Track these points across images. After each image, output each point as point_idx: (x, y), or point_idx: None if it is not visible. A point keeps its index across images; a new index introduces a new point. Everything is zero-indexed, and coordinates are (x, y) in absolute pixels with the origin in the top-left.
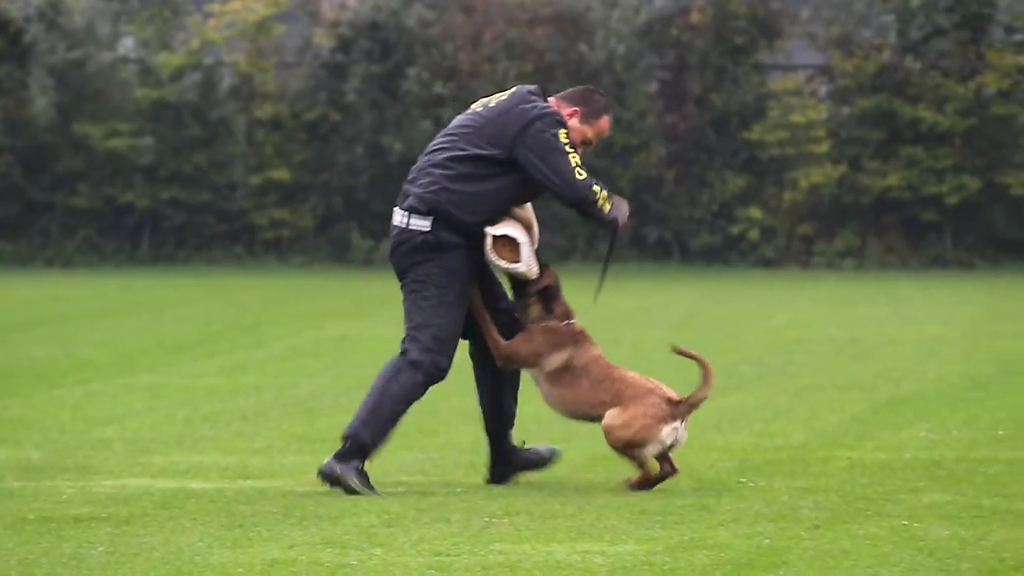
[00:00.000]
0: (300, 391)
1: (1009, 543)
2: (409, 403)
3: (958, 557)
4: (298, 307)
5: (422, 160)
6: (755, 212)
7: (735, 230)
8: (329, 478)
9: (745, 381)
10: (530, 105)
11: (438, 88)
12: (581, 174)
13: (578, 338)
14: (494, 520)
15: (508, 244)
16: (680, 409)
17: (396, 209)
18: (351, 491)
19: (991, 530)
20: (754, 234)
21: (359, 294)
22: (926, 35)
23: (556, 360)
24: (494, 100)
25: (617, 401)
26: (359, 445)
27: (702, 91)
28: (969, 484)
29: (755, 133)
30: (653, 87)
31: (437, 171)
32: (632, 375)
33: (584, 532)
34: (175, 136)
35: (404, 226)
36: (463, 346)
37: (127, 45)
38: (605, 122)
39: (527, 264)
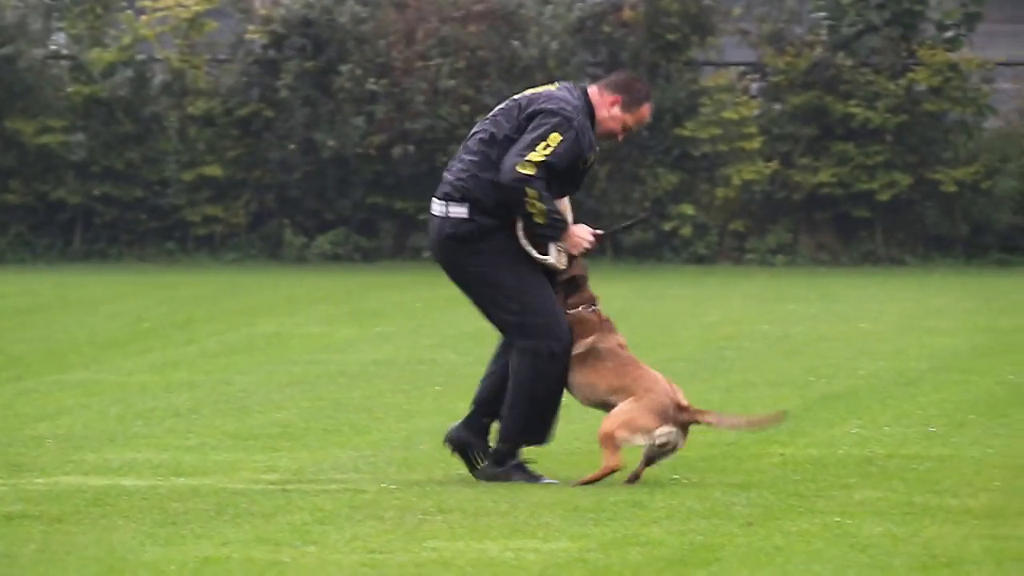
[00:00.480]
0: (233, 388)
1: (940, 539)
2: (560, 389)
3: (890, 553)
4: (231, 304)
5: (462, 145)
6: (688, 209)
7: (668, 227)
8: (489, 478)
9: (678, 377)
10: (550, 98)
11: (371, 85)
12: (529, 168)
13: (604, 325)
14: (427, 517)
15: None
16: (683, 416)
17: (434, 199)
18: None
19: (923, 526)
20: (687, 231)
21: (292, 291)
22: (857, 32)
23: (581, 346)
24: (534, 90)
25: (633, 389)
26: (517, 448)
27: None
28: (901, 480)
29: (688, 130)
30: (586, 84)
31: (467, 157)
32: (651, 371)
33: (517, 529)
34: (107, 132)
35: (444, 215)
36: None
37: (59, 41)
38: (646, 110)
39: (554, 256)
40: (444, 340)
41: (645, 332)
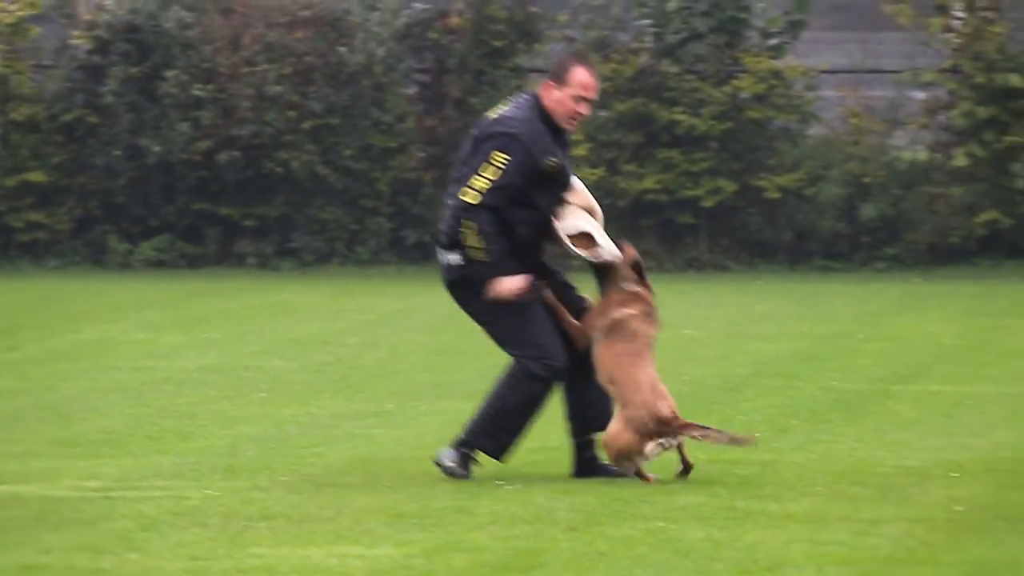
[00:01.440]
0: (56, 395)
1: (762, 544)
2: (533, 411)
3: (712, 558)
4: (55, 310)
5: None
6: None
7: None
8: (449, 474)
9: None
10: (495, 121)
11: (197, 90)
12: (471, 196)
13: (648, 308)
14: (251, 524)
15: (583, 237)
16: (664, 429)
17: (437, 245)
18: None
19: (745, 531)
20: None
21: (116, 297)
22: (682, 39)
23: (620, 312)
24: (488, 114)
25: (618, 391)
26: (472, 452)
27: (461, 94)
28: (723, 485)
29: None
30: (412, 90)
31: (450, 202)
32: (643, 375)
33: (342, 535)
34: None
35: (446, 263)
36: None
37: None
38: (578, 72)
39: (608, 250)
40: (269, 346)
41: (470, 339)
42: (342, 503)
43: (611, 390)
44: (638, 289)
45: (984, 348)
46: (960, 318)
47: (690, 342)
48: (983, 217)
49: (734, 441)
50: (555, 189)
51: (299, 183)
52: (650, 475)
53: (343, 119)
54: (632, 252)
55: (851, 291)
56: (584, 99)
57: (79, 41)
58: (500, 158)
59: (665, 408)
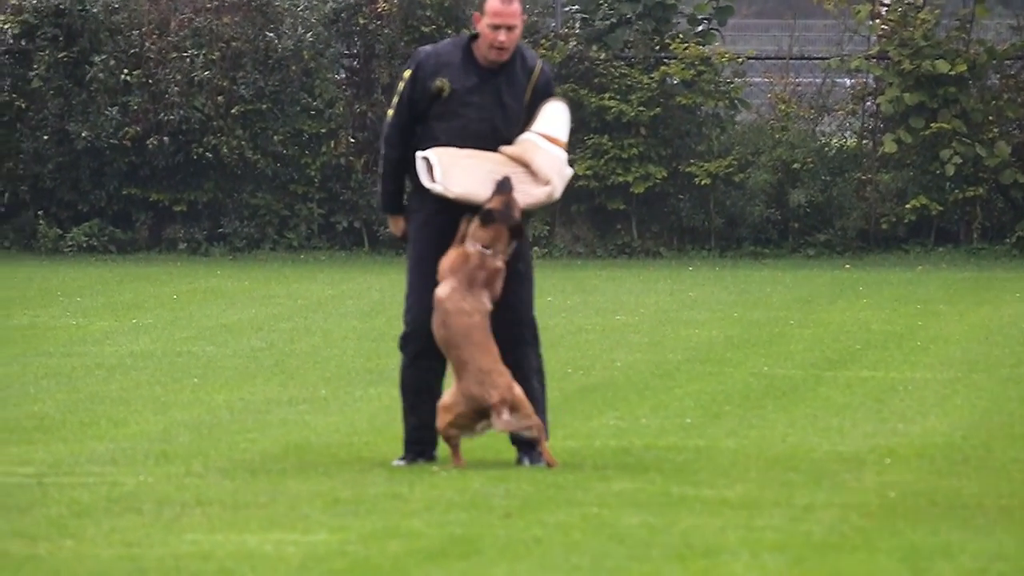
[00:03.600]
0: None
1: (697, 529)
2: (405, 389)
3: (647, 544)
4: None
5: None
6: None
7: None
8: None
9: None
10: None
11: (125, 75)
12: (389, 116)
13: (475, 273)
14: (186, 510)
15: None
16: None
17: None
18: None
19: (680, 517)
20: None
21: (46, 283)
22: (611, 25)
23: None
24: None
25: (456, 367)
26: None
27: (390, 79)
28: (658, 472)
29: None
30: (341, 75)
31: None
32: (488, 358)
33: (277, 521)
34: None
35: None
36: None
37: None
38: (491, 1)
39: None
40: (201, 332)
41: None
42: (277, 489)
43: (450, 354)
44: (473, 250)
45: (914, 334)
46: (890, 304)
47: (622, 328)
48: (912, 203)
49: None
50: (451, 120)
51: (229, 168)
52: (459, 459)
53: (272, 104)
54: (494, 203)
55: (782, 277)
56: (498, 26)
57: (5, 26)
58: (405, 75)
59: (496, 394)
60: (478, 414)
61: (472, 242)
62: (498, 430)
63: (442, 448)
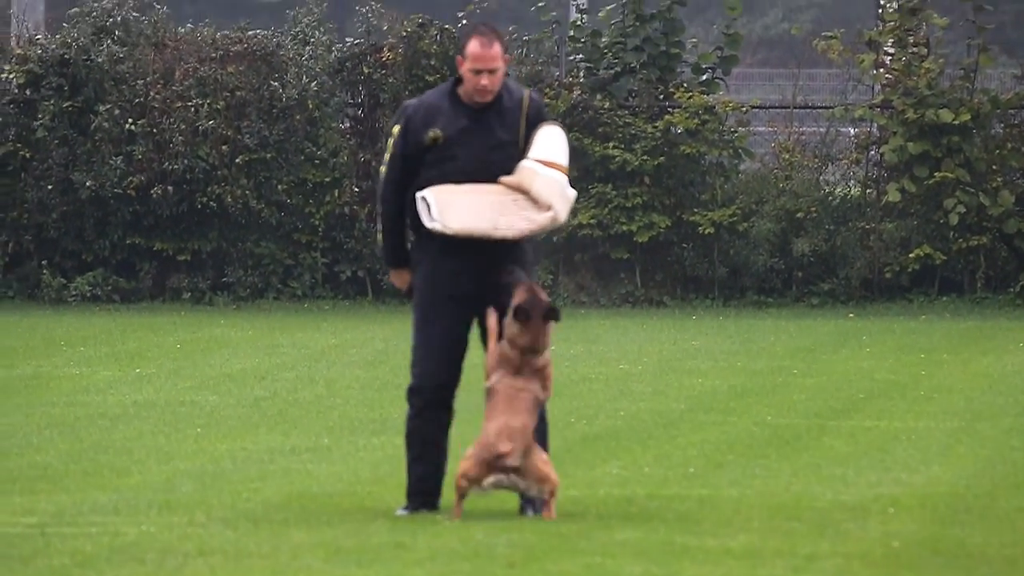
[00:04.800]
0: None
1: None
2: (410, 440)
3: None
4: None
5: None
6: None
7: None
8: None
9: None
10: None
11: (129, 125)
12: (381, 172)
13: (533, 367)
14: (189, 560)
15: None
16: (501, 464)
17: None
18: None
19: (683, 567)
20: None
21: (50, 333)
22: (615, 74)
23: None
24: None
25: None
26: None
27: None
28: (661, 521)
29: None
30: (345, 124)
31: None
32: (518, 419)
33: (279, 571)
34: None
35: None
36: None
37: None
38: (471, 46)
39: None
40: (204, 382)
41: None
42: (279, 539)
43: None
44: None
45: (918, 383)
46: (894, 353)
47: (626, 377)
48: (916, 253)
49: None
50: (445, 163)
51: (233, 218)
52: (458, 511)
53: (276, 154)
54: (541, 298)
55: (785, 326)
56: (480, 70)
57: (11, 76)
58: (393, 131)
59: (505, 446)
60: (489, 465)
61: (511, 348)
62: (506, 485)
63: (444, 497)
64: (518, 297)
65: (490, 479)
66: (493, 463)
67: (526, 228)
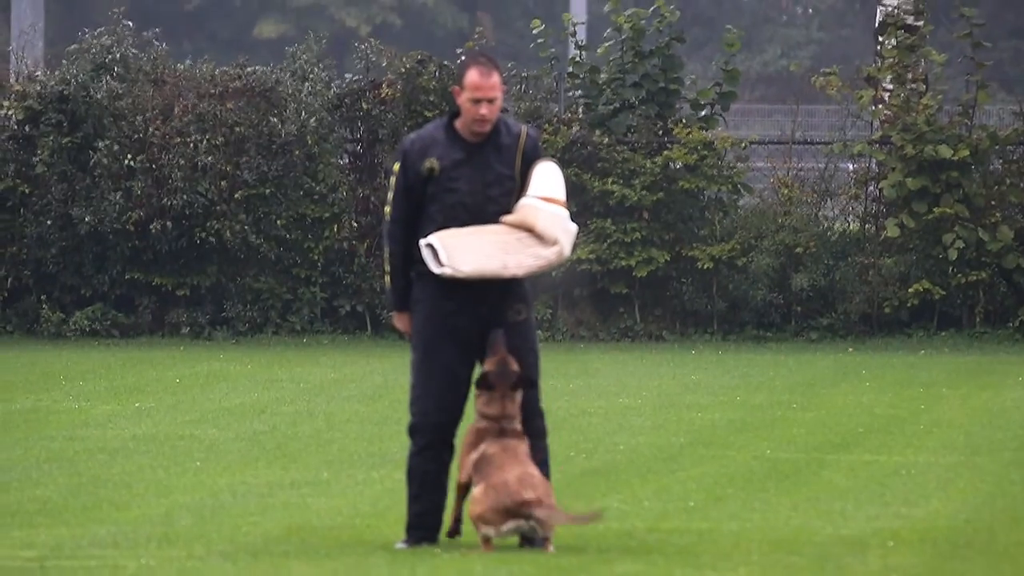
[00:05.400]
0: None
1: None
2: (411, 476)
3: None
4: None
5: None
6: None
7: None
8: None
9: None
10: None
11: (129, 161)
12: (386, 212)
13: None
14: None
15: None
16: (523, 510)
17: None
18: None
19: None
20: None
21: (49, 367)
22: (614, 110)
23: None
24: None
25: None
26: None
27: (393, 164)
28: (661, 555)
29: None
30: (344, 160)
31: None
32: (512, 472)
33: None
34: None
35: None
36: None
37: None
38: (469, 75)
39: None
40: (204, 415)
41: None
42: (279, 572)
43: (475, 478)
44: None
45: (917, 418)
46: (893, 388)
47: (625, 411)
48: (915, 288)
49: (574, 520)
50: (444, 197)
51: (232, 253)
52: (488, 548)
53: (275, 189)
54: (511, 367)
55: (784, 361)
56: (479, 100)
57: (10, 111)
58: (395, 168)
59: (527, 493)
60: (509, 512)
61: (481, 420)
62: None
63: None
64: (487, 365)
65: (509, 524)
66: (514, 510)
67: (535, 265)
